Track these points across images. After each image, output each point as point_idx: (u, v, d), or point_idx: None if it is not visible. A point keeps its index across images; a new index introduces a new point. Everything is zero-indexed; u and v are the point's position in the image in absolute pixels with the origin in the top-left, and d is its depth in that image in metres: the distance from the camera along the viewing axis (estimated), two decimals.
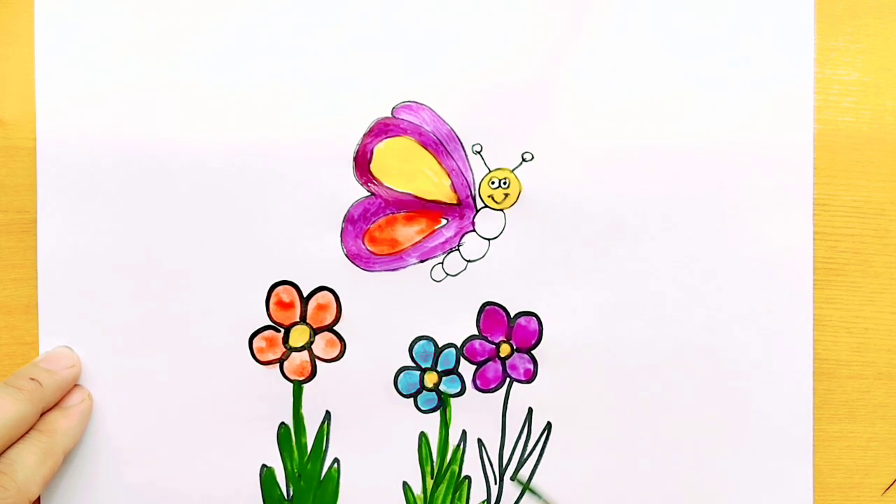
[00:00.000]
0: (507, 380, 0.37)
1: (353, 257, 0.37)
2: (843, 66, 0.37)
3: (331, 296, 0.37)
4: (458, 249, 0.37)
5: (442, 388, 0.37)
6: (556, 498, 0.37)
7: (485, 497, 0.37)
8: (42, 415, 0.34)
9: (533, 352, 0.37)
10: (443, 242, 0.37)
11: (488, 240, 0.37)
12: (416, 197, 0.37)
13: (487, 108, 0.36)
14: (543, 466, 0.37)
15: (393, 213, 0.37)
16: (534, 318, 0.37)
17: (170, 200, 0.36)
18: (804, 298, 0.36)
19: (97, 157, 0.36)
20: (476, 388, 0.37)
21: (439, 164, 0.37)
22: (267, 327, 0.37)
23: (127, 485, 0.37)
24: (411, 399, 0.37)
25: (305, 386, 0.37)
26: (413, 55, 0.36)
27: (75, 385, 0.36)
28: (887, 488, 0.38)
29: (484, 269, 0.37)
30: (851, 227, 0.37)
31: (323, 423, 0.37)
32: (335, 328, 0.37)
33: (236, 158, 0.36)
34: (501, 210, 0.37)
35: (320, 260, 0.36)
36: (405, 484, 0.37)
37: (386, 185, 0.36)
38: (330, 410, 0.37)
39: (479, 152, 0.36)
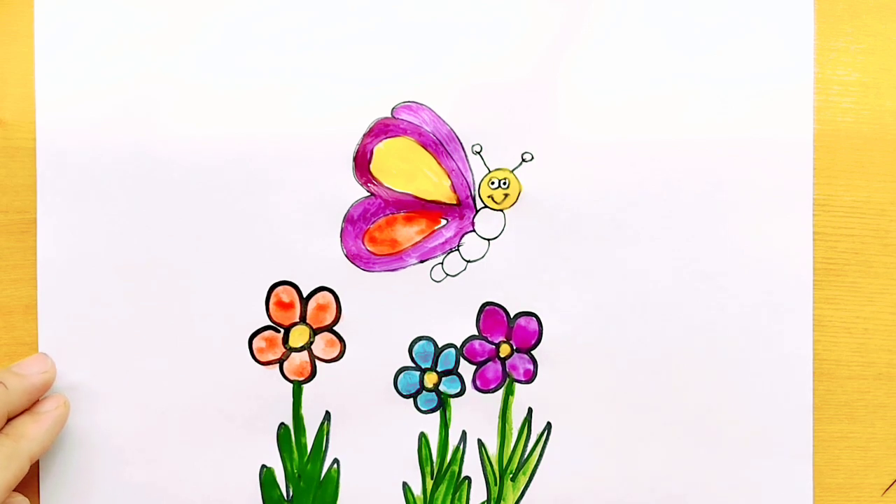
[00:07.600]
0: (507, 380, 0.37)
1: (352, 257, 0.37)
2: (843, 66, 0.37)
3: (331, 296, 0.37)
4: (458, 250, 0.37)
5: (442, 388, 0.37)
6: (556, 497, 0.37)
7: (485, 497, 0.37)
8: (11, 419, 0.33)
9: (533, 352, 0.37)
10: (443, 243, 0.37)
11: (488, 240, 0.37)
12: (416, 197, 0.37)
13: (487, 108, 0.36)
14: (543, 466, 0.37)
15: (393, 214, 0.37)
16: (534, 318, 0.37)
17: (169, 201, 0.36)
18: (804, 298, 0.36)
19: (97, 156, 0.36)
20: (476, 388, 0.37)
21: (439, 164, 0.37)
22: (267, 327, 0.37)
23: (127, 485, 0.37)
24: (411, 399, 0.37)
25: (305, 386, 0.37)
26: (413, 55, 0.36)
27: (57, 395, 0.35)
28: (887, 488, 0.38)
29: (484, 269, 0.37)
30: (851, 228, 0.37)
31: (323, 423, 0.37)
32: (335, 328, 0.37)
33: (236, 158, 0.36)
34: (501, 210, 0.37)
35: (320, 260, 0.36)
36: (405, 484, 0.37)
37: (386, 185, 0.36)
38: (330, 410, 0.37)
39: (478, 152, 0.36)
